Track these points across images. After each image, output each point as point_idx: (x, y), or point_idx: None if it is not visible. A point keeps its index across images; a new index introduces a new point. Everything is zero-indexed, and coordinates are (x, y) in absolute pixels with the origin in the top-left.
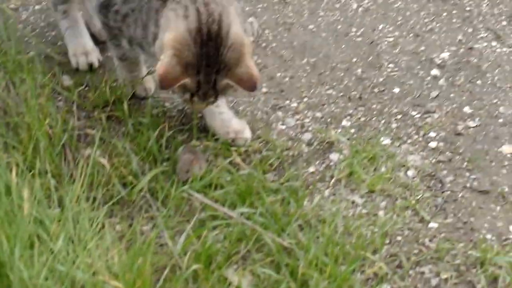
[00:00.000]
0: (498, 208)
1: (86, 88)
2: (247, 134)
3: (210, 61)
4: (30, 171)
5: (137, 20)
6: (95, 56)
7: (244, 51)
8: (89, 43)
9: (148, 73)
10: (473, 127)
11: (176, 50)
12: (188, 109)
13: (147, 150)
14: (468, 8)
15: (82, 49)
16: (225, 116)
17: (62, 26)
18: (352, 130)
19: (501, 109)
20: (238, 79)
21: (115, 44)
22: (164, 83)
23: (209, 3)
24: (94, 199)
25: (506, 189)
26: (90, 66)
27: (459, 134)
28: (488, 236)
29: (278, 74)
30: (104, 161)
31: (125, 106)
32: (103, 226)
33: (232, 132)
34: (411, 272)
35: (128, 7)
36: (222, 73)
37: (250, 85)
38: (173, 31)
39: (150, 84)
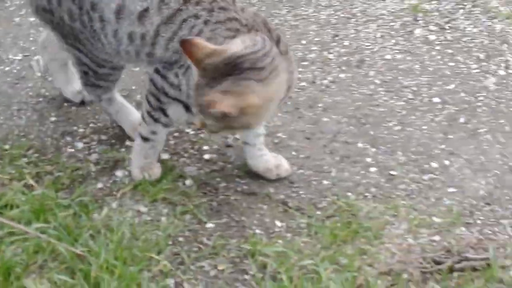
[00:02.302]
0: (265, 206)
1: None
2: (286, 165)
3: None
4: None
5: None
6: None
7: None
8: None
9: None
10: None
11: None
12: None
13: None
14: None
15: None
16: (265, 157)
17: (111, 112)
18: None
19: None
20: None
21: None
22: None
23: None
24: None
25: (272, 190)
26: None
27: (229, 146)
28: (257, 231)
29: (65, 104)
30: None
31: None
32: None
33: (274, 168)
34: (192, 267)
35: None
36: None
37: None
38: None
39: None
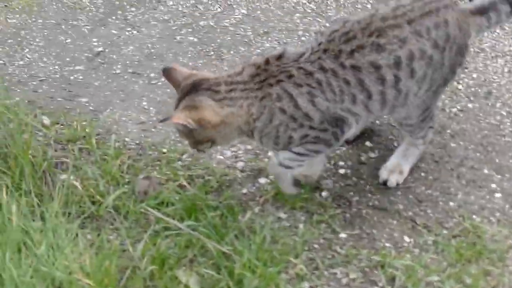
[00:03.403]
0: (395, 222)
1: (61, 126)
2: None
3: None
4: (18, 191)
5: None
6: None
7: None
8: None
9: None
10: (372, 157)
11: None
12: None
13: (111, 175)
14: None
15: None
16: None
17: None
18: None
19: None
20: None
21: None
22: None
23: None
24: (69, 214)
25: (401, 207)
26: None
27: (362, 163)
28: (387, 245)
29: None
30: (77, 183)
31: (93, 140)
32: (76, 235)
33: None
34: (325, 273)
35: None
36: None
37: None
38: None
39: None
